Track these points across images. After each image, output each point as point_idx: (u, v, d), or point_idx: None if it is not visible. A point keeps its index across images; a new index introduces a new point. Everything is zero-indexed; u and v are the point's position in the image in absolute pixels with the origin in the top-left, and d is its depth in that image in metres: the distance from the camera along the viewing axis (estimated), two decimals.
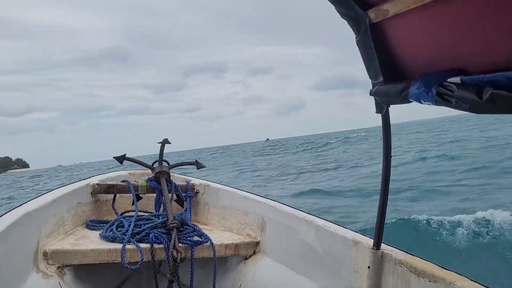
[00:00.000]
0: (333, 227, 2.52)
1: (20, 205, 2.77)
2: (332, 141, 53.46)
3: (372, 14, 1.58)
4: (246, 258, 3.07)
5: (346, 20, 1.69)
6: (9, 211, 2.62)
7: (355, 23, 1.66)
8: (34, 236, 2.60)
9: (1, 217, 2.47)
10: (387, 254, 2.11)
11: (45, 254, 2.64)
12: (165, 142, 3.84)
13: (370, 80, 1.86)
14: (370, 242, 2.21)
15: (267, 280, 2.81)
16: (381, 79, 1.78)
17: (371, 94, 1.86)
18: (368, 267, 2.14)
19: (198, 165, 3.89)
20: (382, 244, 2.14)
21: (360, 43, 1.73)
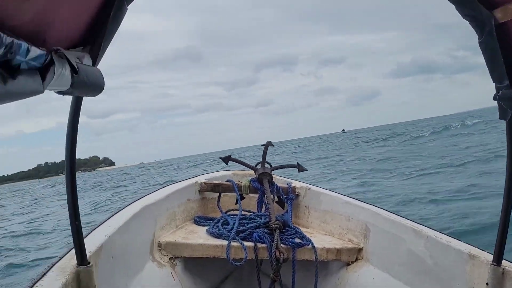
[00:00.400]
0: (445, 239, 2.37)
1: (138, 199, 3.06)
2: (424, 133, 44.63)
3: (498, 13, 1.48)
4: (348, 264, 3.02)
5: (468, 20, 1.59)
6: (130, 204, 2.91)
7: (479, 24, 1.56)
8: (151, 228, 2.85)
9: (123, 209, 2.76)
10: (510, 271, 1.93)
11: (159, 245, 2.88)
12: (268, 144, 3.94)
13: (493, 83, 1.72)
14: (488, 257, 2.04)
15: None
16: (507, 82, 1.64)
17: (495, 99, 1.72)
18: (487, 284, 1.98)
19: (300, 168, 3.92)
20: (503, 260, 1.96)
21: (484, 45, 1.62)
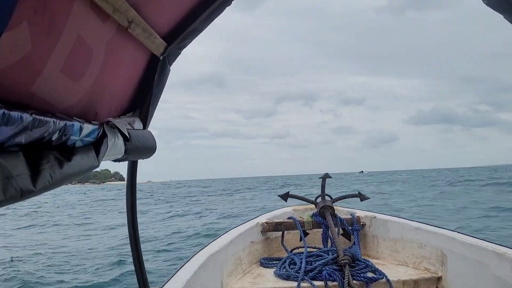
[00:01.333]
0: None
1: (203, 248, 3.06)
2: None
3: None
4: None
5: None
6: (195, 254, 2.91)
7: None
8: (218, 276, 2.83)
9: (190, 259, 2.76)
10: None
11: None
12: (326, 176, 3.85)
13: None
14: None
15: None
16: None
17: None
18: None
19: (362, 197, 3.78)
20: None
21: None
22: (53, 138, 0.88)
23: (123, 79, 1.34)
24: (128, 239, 1.66)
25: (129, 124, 1.42)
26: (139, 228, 1.62)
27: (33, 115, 0.77)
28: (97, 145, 1.11)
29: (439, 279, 2.77)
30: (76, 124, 0.97)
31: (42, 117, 0.80)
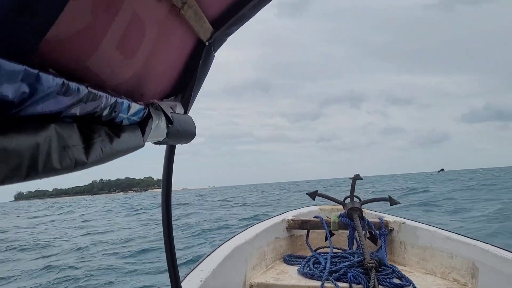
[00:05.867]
0: None
1: (229, 239, 3.07)
2: None
3: None
4: None
5: None
6: (220, 245, 2.91)
7: None
8: (242, 269, 2.82)
9: (215, 250, 2.77)
10: None
11: (251, 286, 2.83)
12: (356, 177, 3.78)
13: None
14: None
15: None
16: None
17: None
18: None
19: (392, 201, 3.69)
20: None
21: None
22: (104, 114, 0.87)
23: (170, 62, 1.34)
24: (162, 226, 1.66)
25: (170, 108, 1.42)
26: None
27: (89, 88, 0.76)
28: (142, 126, 1.11)
29: None
30: (125, 102, 0.97)
31: (96, 91, 0.80)
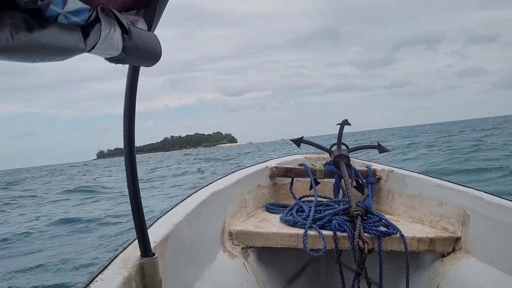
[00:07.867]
0: None
1: (207, 185, 2.90)
2: None
3: None
4: (443, 256, 2.64)
5: None
6: (197, 190, 2.75)
7: None
8: (221, 216, 2.68)
9: (191, 195, 2.60)
10: None
11: (230, 234, 2.71)
12: (344, 123, 3.62)
13: None
14: None
15: (475, 284, 2.35)
16: None
17: None
18: None
19: (381, 148, 3.56)
20: None
21: None
22: None
23: None
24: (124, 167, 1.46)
25: (130, 22, 1.19)
26: None
27: None
28: (86, 30, 0.89)
29: (457, 239, 2.60)
30: None
31: None
